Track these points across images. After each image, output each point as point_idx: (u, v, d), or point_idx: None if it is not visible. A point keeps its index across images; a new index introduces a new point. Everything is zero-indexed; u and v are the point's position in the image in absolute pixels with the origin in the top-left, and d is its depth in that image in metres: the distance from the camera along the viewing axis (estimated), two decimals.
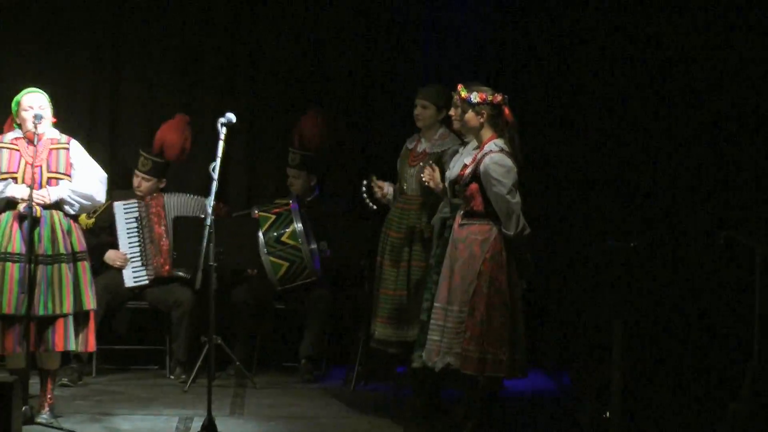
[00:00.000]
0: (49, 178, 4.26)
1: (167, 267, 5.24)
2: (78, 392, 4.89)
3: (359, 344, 5.07)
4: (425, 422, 4.42)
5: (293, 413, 4.62)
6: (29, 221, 4.13)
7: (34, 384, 4.40)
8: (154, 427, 4.34)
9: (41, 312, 4.16)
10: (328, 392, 5.00)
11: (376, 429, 4.40)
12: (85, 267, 4.29)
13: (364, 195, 4.70)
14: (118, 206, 5.27)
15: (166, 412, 4.55)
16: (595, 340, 5.04)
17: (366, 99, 5.71)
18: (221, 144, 4.18)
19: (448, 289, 4.13)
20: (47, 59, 5.49)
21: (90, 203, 4.36)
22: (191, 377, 4.98)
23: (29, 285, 4.10)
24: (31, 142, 4.24)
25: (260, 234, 5.05)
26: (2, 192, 4.22)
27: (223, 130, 4.20)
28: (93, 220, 5.17)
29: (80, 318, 4.27)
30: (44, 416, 4.27)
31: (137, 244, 5.27)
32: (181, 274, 5.25)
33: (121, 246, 5.25)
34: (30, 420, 4.19)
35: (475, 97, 4.09)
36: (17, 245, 4.19)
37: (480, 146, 4.15)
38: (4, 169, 4.25)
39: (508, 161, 4.05)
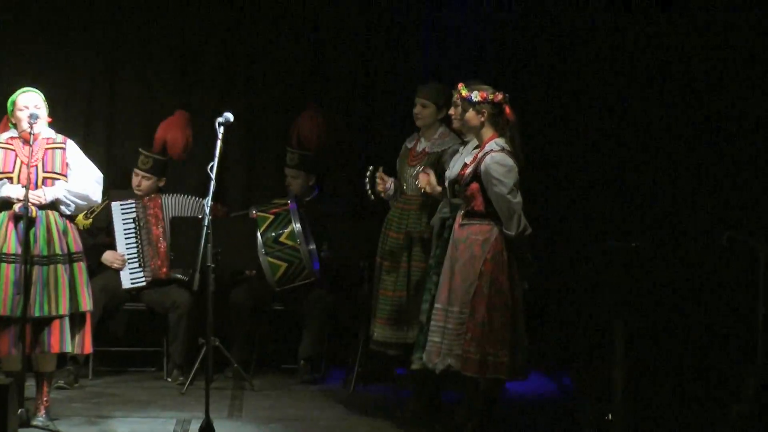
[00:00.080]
0: (44, 178, 4.23)
1: (165, 269, 5.21)
2: (74, 395, 4.86)
3: (359, 345, 5.04)
4: (425, 424, 4.39)
5: (292, 415, 4.59)
6: (25, 222, 4.10)
7: (30, 386, 4.35)
8: (152, 429, 4.32)
9: (37, 313, 4.13)
10: (327, 394, 4.98)
11: (376, 431, 4.36)
12: (81, 268, 4.26)
13: (367, 183, 4.65)
14: (116, 206, 5.24)
15: (164, 415, 4.52)
16: (595, 340, 5.02)
17: (366, 99, 5.71)
18: (219, 144, 4.15)
19: (448, 290, 4.10)
20: (47, 59, 5.49)
21: (86, 203, 4.33)
22: (189, 379, 4.95)
23: (25, 286, 4.06)
24: (26, 141, 4.22)
25: (258, 234, 5.01)
26: None
27: (221, 130, 4.17)
28: (90, 220, 5.15)
29: (76, 319, 4.24)
30: (40, 419, 4.24)
31: (135, 245, 5.23)
32: (178, 276, 5.22)
33: (118, 247, 5.22)
34: (26, 423, 4.16)
35: (475, 96, 4.06)
36: (12, 246, 4.16)
37: (481, 145, 4.13)
38: None
39: (510, 161, 4.03)
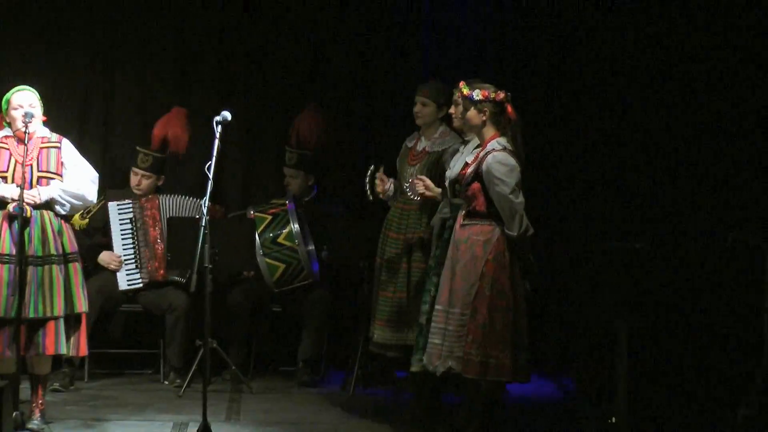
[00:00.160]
0: (39, 178, 4.19)
1: (162, 272, 5.18)
2: (70, 397, 4.83)
3: (358, 347, 5.00)
4: (426, 427, 4.35)
5: (290, 418, 4.56)
6: (19, 221, 4.06)
7: (24, 389, 4.33)
8: None
9: (32, 314, 4.09)
10: (326, 397, 4.95)
11: None
12: (76, 268, 4.22)
13: (367, 183, 4.62)
14: (113, 207, 5.19)
15: (161, 418, 4.48)
16: (596, 342, 4.99)
17: (366, 99, 5.70)
18: (217, 143, 4.12)
19: (449, 291, 4.06)
20: (46, 59, 5.48)
21: (81, 203, 4.28)
22: (186, 382, 4.92)
23: (19, 287, 4.01)
24: (21, 140, 4.17)
25: (256, 235, 4.97)
26: None
27: (218, 129, 4.13)
28: (87, 220, 5.12)
29: (72, 321, 4.20)
30: (35, 422, 4.20)
31: (131, 245, 5.19)
32: (176, 278, 5.17)
33: (115, 248, 5.17)
34: (21, 426, 4.13)
35: (477, 94, 4.03)
36: (7, 246, 4.12)
37: (482, 145, 4.09)
38: None
39: (512, 160, 3.99)
